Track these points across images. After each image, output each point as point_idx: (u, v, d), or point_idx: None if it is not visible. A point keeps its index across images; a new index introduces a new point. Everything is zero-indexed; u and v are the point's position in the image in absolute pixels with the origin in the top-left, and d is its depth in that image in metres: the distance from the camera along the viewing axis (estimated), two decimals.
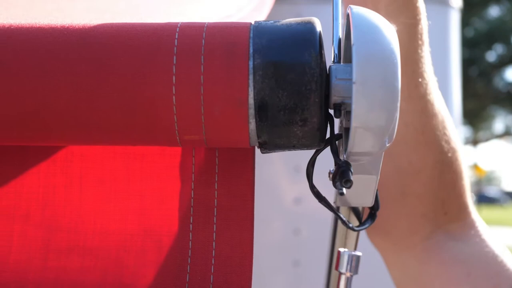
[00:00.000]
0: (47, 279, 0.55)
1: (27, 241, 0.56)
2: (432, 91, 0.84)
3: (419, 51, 0.82)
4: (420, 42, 0.81)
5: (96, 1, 0.76)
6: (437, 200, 0.87)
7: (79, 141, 0.54)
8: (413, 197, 0.86)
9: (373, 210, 0.72)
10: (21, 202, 0.57)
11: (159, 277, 0.55)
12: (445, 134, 0.86)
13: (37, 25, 0.51)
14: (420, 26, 0.81)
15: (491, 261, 0.85)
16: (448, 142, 0.86)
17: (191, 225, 0.55)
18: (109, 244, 0.56)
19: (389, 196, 0.86)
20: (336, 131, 0.55)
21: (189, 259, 0.54)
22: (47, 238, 0.56)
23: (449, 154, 0.86)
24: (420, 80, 0.82)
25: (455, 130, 0.88)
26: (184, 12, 0.74)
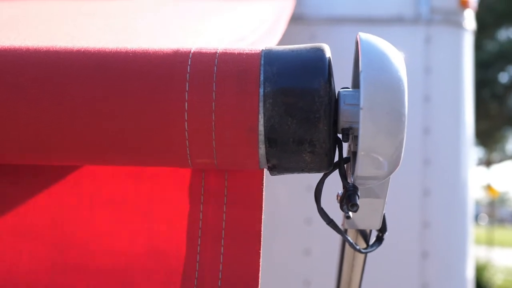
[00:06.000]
0: None
1: (36, 259, 0.57)
2: None
3: None
4: None
5: (114, 20, 0.77)
6: None
7: (93, 162, 0.55)
8: None
9: (381, 233, 0.73)
10: (32, 220, 0.58)
11: None
12: None
13: (54, 49, 0.52)
14: None
15: None
16: None
17: (198, 247, 0.56)
18: (116, 263, 0.57)
19: None
20: (345, 154, 0.56)
21: (195, 280, 0.55)
22: (56, 256, 0.57)
23: None
24: None
25: None
26: (199, 32, 0.75)
